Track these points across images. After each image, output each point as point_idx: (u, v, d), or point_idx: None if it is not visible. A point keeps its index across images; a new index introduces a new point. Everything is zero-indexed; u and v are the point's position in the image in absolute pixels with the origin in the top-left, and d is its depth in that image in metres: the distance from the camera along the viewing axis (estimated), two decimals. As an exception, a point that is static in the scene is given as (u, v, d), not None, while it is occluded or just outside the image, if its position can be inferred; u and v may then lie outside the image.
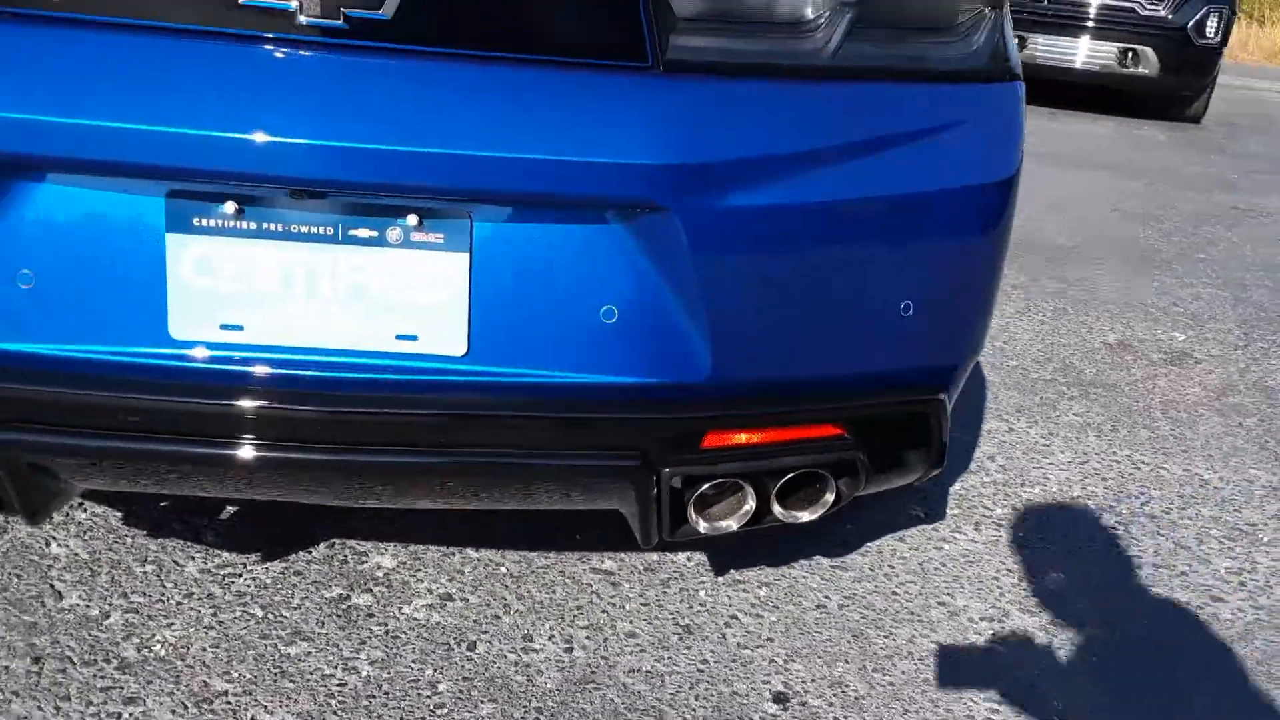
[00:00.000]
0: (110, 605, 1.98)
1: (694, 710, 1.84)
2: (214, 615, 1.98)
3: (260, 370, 1.44)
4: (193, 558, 2.14)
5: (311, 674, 1.86)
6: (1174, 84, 9.83)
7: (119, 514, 2.26)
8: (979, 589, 2.23)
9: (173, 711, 1.75)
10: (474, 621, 2.02)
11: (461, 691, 1.84)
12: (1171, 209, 6.11)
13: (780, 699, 1.88)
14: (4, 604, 1.96)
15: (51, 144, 1.34)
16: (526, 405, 1.48)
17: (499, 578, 2.16)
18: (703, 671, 1.94)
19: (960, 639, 2.07)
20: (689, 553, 2.28)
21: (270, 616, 1.99)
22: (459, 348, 1.45)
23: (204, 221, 1.41)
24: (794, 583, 2.21)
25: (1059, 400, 3.21)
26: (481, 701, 1.82)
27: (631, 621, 2.06)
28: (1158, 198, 6.42)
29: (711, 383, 1.51)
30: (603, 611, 2.08)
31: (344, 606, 2.04)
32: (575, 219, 1.44)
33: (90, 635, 1.90)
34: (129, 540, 2.18)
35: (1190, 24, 9.63)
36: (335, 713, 1.78)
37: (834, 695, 1.90)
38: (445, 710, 1.80)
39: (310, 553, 2.19)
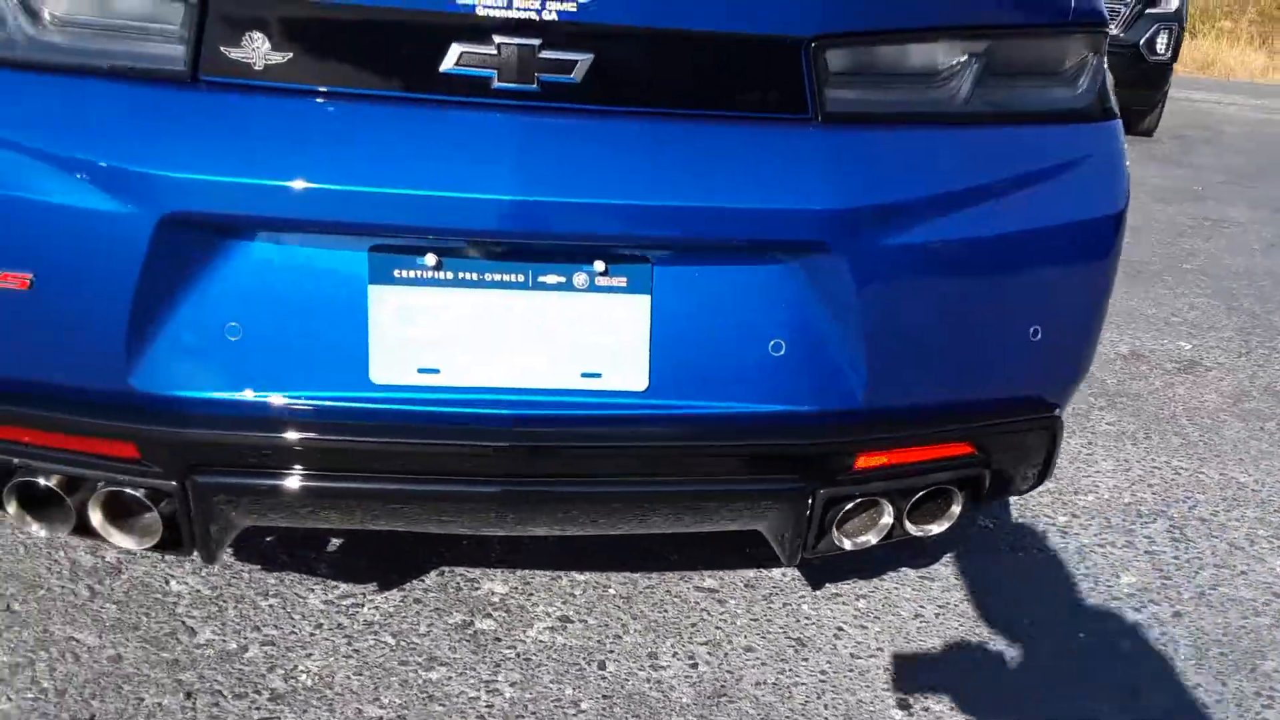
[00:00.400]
0: (245, 639, 2.04)
1: (826, 719, 1.94)
2: (349, 644, 2.05)
3: (455, 410, 1.52)
4: (312, 589, 2.20)
5: (457, 697, 1.93)
6: (1128, 99, 10.02)
7: (229, 549, 2.31)
8: (1061, 594, 2.36)
9: (334, 739, 1.82)
10: (597, 642, 2.11)
11: (604, 709, 1.93)
12: (1150, 221, 6.35)
13: (904, 705, 1.99)
14: (140, 642, 2.01)
15: (265, 205, 1.42)
16: (701, 435, 1.57)
17: (609, 599, 2.24)
18: (825, 682, 2.04)
19: (1057, 642, 2.20)
20: (783, 569, 2.38)
21: (403, 644, 2.06)
22: (640, 383, 1.55)
23: (404, 273, 1.49)
24: (888, 594, 2.32)
25: (1090, 410, 3.36)
26: (626, 718, 1.91)
27: (746, 637, 2.15)
28: (1133, 210, 6.64)
29: (865, 408, 1.62)
30: (716, 628, 2.17)
31: (470, 632, 2.11)
32: (747, 260, 1.54)
33: (234, 669, 1.96)
34: (246, 575, 2.23)
35: (1142, 41, 9.96)
36: (490, 734, 1.86)
37: (952, 700, 2.01)
38: (593, 728, 1.89)
39: (423, 581, 2.26)
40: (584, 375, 1.54)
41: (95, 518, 1.63)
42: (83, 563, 2.22)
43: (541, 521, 1.64)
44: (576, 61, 1.44)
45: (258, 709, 1.87)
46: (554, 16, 1.41)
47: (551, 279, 1.51)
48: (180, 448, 1.51)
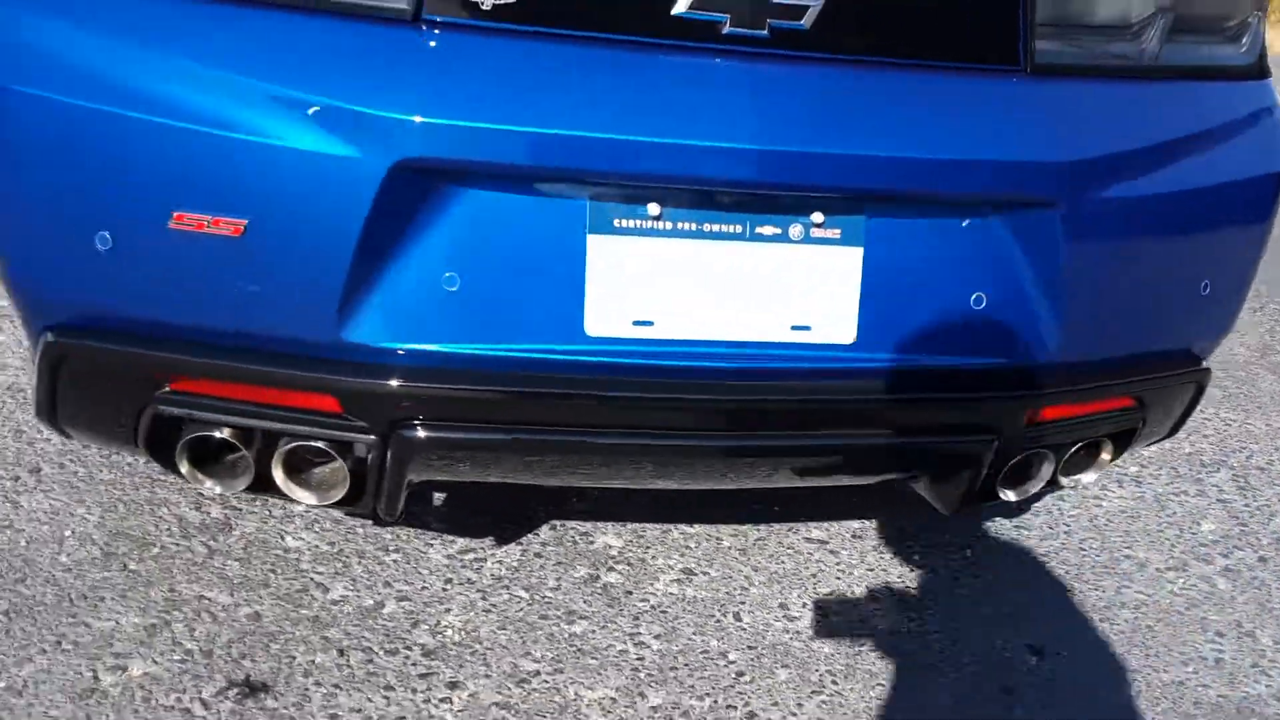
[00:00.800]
0: (379, 595, 2.01)
1: (967, 665, 1.98)
2: (484, 599, 2.03)
3: (667, 363, 1.50)
4: (430, 545, 2.17)
5: (605, 650, 1.93)
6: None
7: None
8: (1150, 541, 2.43)
9: (498, 692, 1.80)
10: (726, 594, 2.12)
11: (752, 660, 1.94)
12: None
13: (1036, 650, 2.04)
14: (274, 599, 1.96)
15: (494, 151, 1.37)
16: (904, 388, 1.57)
17: (725, 551, 2.25)
18: (956, 629, 2.08)
19: (1157, 588, 2.26)
20: (877, 519, 2.41)
21: (537, 598, 2.04)
22: (848, 336, 1.54)
23: (624, 223, 1.46)
24: (988, 544, 2.37)
25: (1128, 364, 3.45)
26: (776, 668, 1.93)
27: (867, 587, 2.18)
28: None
29: (1054, 362, 1.64)
30: (836, 578, 2.20)
31: (599, 585, 2.10)
32: (958, 213, 1.54)
33: (378, 625, 1.93)
34: (361, 531, 2.19)
35: None
36: (649, 685, 1.85)
37: (1080, 645, 2.06)
38: (747, 678, 1.90)
39: (538, 535, 2.24)
40: (794, 328, 1.53)
41: (277, 473, 1.58)
42: (190, 519, 2.16)
43: (746, 474, 1.63)
44: (808, 7, 1.42)
45: (413, 665, 1.84)
46: (791, -41, 1.39)
47: (768, 230, 1.49)
48: (389, 400, 1.47)
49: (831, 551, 2.28)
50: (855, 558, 2.27)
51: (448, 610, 1.98)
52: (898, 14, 1.48)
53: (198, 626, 1.87)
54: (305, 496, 1.61)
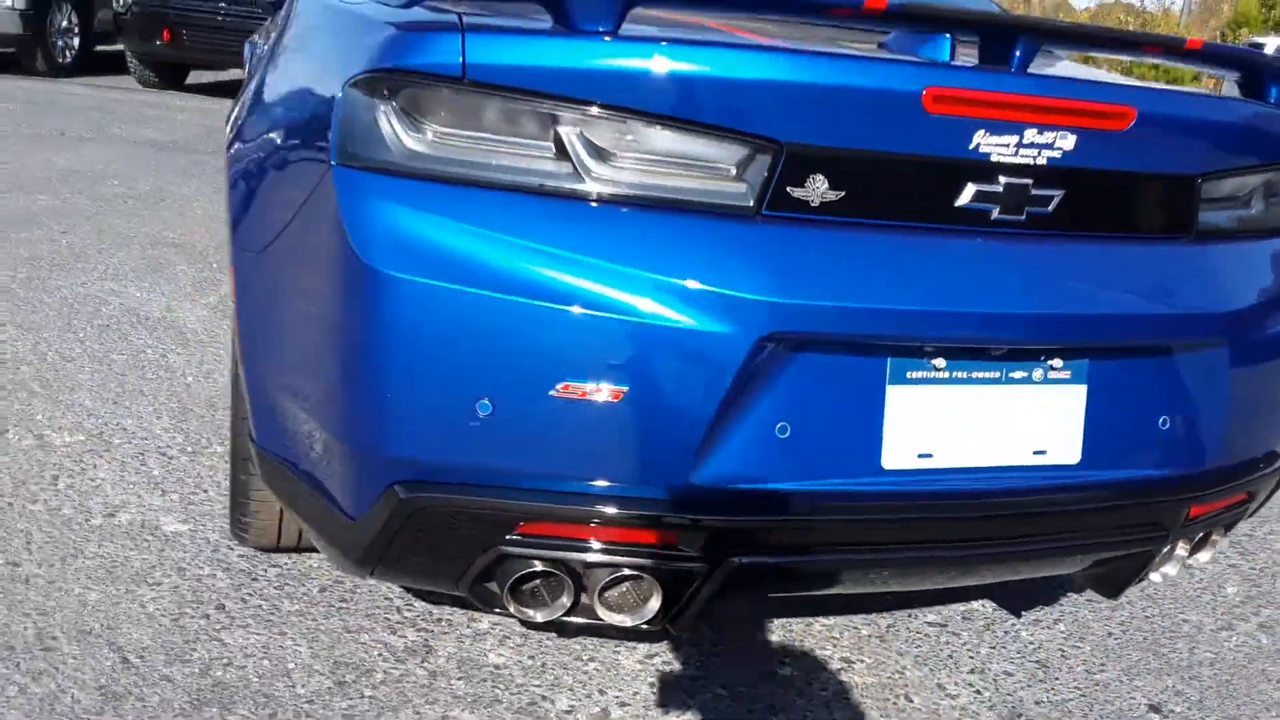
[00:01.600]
0: (601, 702, 2.19)
1: (1109, 726, 2.31)
2: (691, 699, 2.23)
3: (942, 488, 1.80)
4: (617, 652, 2.36)
5: (816, 739, 2.17)
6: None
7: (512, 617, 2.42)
8: (1195, 605, 2.84)
9: (749, 785, 2.02)
10: (888, 678, 2.39)
11: (941, 736, 2.22)
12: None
13: (1156, 709, 2.38)
14: (514, 714, 2.12)
15: (827, 324, 1.66)
16: (1114, 498, 1.92)
17: (866, 640, 2.52)
18: (1085, 696, 2.41)
19: (1219, 646, 2.66)
20: (981, 600, 2.74)
21: (736, 694, 2.26)
22: (1074, 457, 1.87)
23: (915, 374, 1.75)
24: (1074, 618, 2.72)
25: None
26: (962, 742, 2.21)
27: (997, 664, 2.49)
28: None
29: (1211, 467, 2.01)
30: (970, 658, 2.50)
31: (781, 678, 2.34)
32: (1151, 353, 1.90)
33: (615, 731, 2.11)
34: (549, 643, 2.36)
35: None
36: (869, 767, 2.10)
37: (1184, 702, 2.42)
38: (943, 753, 2.17)
39: (704, 635, 2.47)
40: (1035, 452, 1.85)
41: (595, 600, 1.78)
42: (393, 644, 2.29)
43: (993, 574, 1.93)
44: (1054, 196, 1.76)
45: (665, 766, 2.04)
46: (1044, 161, 1.73)
47: (1019, 374, 1.82)
48: (724, 534, 1.71)
49: (954, 634, 2.59)
50: (975, 638, 2.58)
51: (666, 713, 2.18)
52: (1112, 199, 1.84)
53: (465, 746, 2.02)
54: (620, 619, 1.81)
